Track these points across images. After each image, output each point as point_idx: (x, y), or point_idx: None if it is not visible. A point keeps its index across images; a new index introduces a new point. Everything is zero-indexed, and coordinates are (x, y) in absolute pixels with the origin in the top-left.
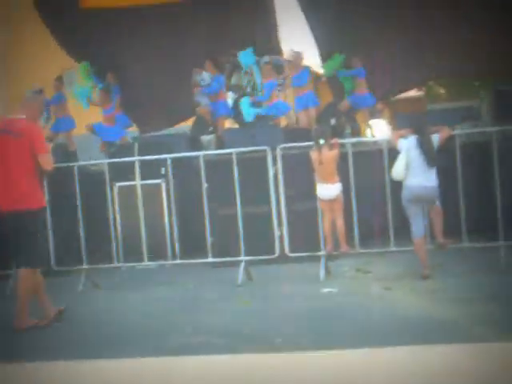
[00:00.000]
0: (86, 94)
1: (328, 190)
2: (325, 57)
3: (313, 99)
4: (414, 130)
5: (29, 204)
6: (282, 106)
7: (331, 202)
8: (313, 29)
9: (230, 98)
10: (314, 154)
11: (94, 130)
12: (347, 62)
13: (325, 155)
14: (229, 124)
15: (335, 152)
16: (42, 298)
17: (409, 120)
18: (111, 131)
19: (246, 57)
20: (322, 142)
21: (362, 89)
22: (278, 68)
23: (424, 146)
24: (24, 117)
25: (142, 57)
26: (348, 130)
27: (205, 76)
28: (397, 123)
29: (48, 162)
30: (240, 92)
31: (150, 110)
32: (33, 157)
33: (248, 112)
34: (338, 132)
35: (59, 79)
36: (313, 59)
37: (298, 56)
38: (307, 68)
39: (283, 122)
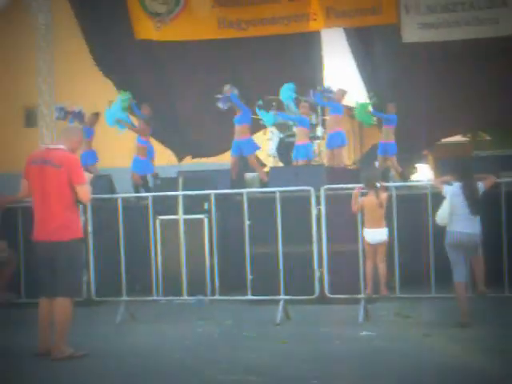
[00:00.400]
0: (124, 118)
1: (376, 234)
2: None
3: (342, 138)
4: (459, 177)
5: (66, 235)
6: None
7: (377, 245)
8: (360, 68)
9: (275, 136)
10: (365, 199)
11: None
12: (382, 106)
13: (372, 200)
14: (273, 162)
15: (383, 196)
16: (61, 331)
17: (453, 166)
18: (144, 164)
19: (285, 92)
20: (378, 185)
21: (391, 137)
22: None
23: (468, 193)
24: (63, 147)
25: (188, 89)
26: (392, 173)
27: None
28: (440, 169)
29: (86, 193)
30: (286, 131)
31: (191, 140)
32: (71, 187)
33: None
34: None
35: (95, 114)
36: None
37: (341, 92)
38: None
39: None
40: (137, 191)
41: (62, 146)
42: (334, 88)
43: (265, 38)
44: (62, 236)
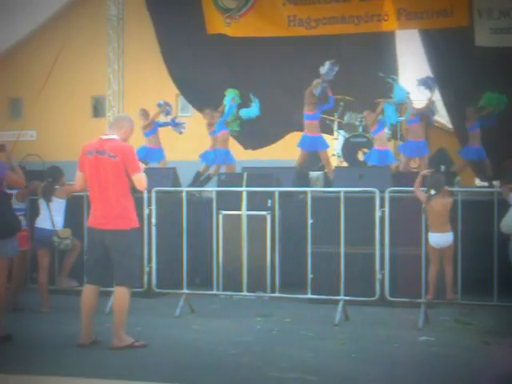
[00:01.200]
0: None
1: (441, 238)
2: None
3: (423, 148)
4: None
5: (125, 223)
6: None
7: (442, 249)
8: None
9: (341, 136)
10: (432, 202)
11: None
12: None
13: (438, 204)
14: (337, 162)
15: (449, 201)
16: (119, 320)
17: None
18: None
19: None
20: (432, 192)
21: (477, 141)
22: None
23: None
24: (116, 137)
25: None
26: (458, 178)
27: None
28: (508, 175)
29: (142, 181)
30: (353, 131)
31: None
32: (127, 176)
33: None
34: (448, 179)
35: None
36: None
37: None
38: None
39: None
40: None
41: (115, 136)
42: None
43: (339, 36)
44: (121, 224)
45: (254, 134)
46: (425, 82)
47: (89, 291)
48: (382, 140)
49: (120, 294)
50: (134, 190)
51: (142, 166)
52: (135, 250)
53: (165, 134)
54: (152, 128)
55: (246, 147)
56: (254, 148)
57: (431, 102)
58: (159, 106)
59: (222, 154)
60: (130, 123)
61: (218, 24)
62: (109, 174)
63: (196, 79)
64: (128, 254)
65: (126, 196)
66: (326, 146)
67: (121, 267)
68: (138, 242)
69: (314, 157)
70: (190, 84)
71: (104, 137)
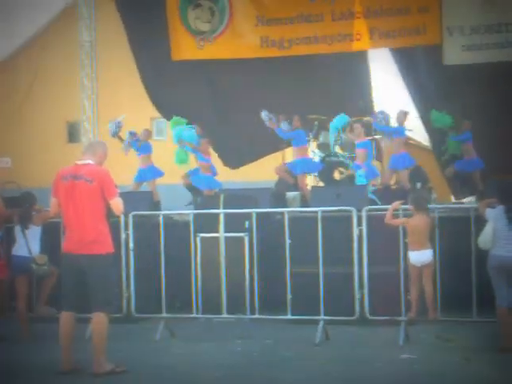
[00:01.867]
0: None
1: (421, 256)
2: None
3: (409, 160)
4: (502, 200)
5: (101, 249)
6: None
7: (422, 267)
8: (411, 90)
9: (317, 155)
10: (411, 220)
11: (190, 182)
12: (456, 124)
13: (420, 222)
14: (313, 182)
15: (430, 218)
16: (99, 346)
17: (497, 189)
18: (210, 180)
19: (339, 121)
20: (413, 209)
21: (471, 153)
22: (368, 129)
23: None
24: (91, 162)
25: (231, 102)
26: (434, 195)
27: (283, 125)
28: (486, 191)
29: (119, 206)
30: (327, 151)
31: (236, 147)
32: (103, 201)
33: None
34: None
35: (148, 130)
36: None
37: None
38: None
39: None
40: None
41: (90, 161)
42: (392, 111)
43: (313, 56)
44: (97, 249)
45: (235, 153)
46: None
47: (66, 318)
48: (360, 156)
49: (98, 320)
50: (110, 215)
51: (118, 190)
52: (111, 275)
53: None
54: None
55: (226, 164)
56: (235, 166)
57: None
58: (131, 134)
59: (205, 180)
60: (103, 148)
61: (187, 48)
62: (84, 199)
63: (175, 99)
64: (104, 279)
65: (102, 221)
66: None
67: (97, 293)
68: (113, 266)
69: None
70: (170, 105)
71: (79, 162)
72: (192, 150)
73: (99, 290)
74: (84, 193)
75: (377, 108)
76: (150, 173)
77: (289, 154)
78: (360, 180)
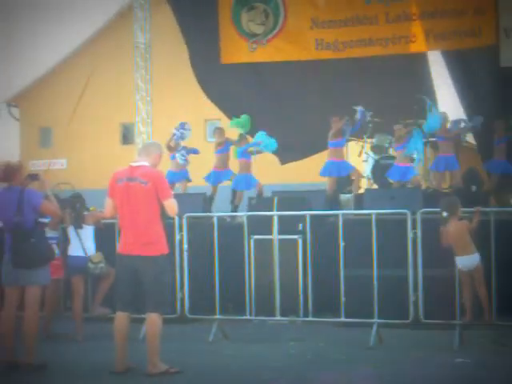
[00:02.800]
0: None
1: (466, 261)
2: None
3: (453, 163)
4: None
5: (156, 250)
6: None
7: (471, 272)
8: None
9: (371, 157)
10: (449, 226)
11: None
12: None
13: (454, 228)
14: (367, 184)
15: (464, 223)
16: (153, 347)
17: None
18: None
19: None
20: (444, 215)
21: (501, 155)
22: None
23: None
24: (146, 163)
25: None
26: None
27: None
28: None
29: (173, 207)
30: (381, 153)
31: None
32: (158, 203)
33: None
34: (480, 199)
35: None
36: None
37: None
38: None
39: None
40: None
41: (145, 163)
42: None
43: (370, 58)
44: (152, 251)
45: (291, 148)
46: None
47: (120, 318)
48: (403, 156)
49: (152, 321)
50: (165, 216)
51: (172, 192)
52: (166, 277)
53: (194, 158)
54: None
55: (282, 161)
56: (290, 160)
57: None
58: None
59: (243, 180)
60: (158, 149)
61: (238, 51)
62: (139, 201)
63: (231, 98)
64: (158, 281)
65: (157, 222)
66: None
67: (151, 294)
68: (168, 268)
69: (343, 181)
70: (228, 102)
71: (134, 164)
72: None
73: (153, 291)
74: (139, 194)
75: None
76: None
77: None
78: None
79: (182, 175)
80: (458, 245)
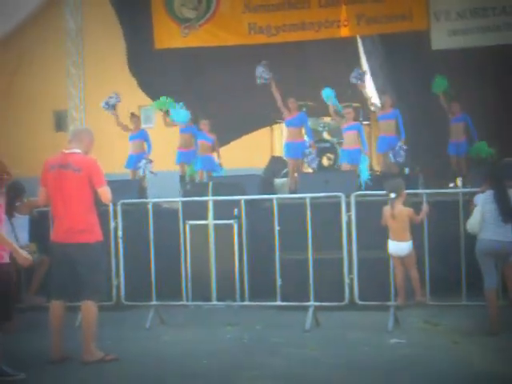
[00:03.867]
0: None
1: (398, 247)
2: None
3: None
4: (491, 184)
5: (90, 237)
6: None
7: (402, 257)
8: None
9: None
10: (386, 209)
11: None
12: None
13: (397, 211)
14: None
15: (409, 210)
16: (88, 334)
17: (486, 173)
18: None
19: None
20: (392, 195)
21: (458, 135)
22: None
23: (500, 200)
24: (78, 150)
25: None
26: (421, 180)
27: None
28: (473, 176)
29: (107, 194)
30: (315, 136)
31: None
32: (91, 190)
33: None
34: (411, 182)
35: (134, 116)
36: None
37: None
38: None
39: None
40: None
41: (77, 150)
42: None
43: (301, 42)
44: (86, 238)
45: (226, 128)
46: (356, 76)
47: (56, 307)
48: (350, 139)
49: (87, 309)
50: (98, 204)
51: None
52: (100, 264)
53: (127, 145)
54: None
55: (222, 143)
56: (230, 140)
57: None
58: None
59: (205, 161)
60: (89, 135)
61: (171, 36)
62: (73, 188)
63: (163, 84)
64: (94, 268)
65: (91, 210)
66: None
67: (87, 281)
68: (102, 255)
69: (279, 164)
70: (157, 89)
71: (66, 151)
72: (192, 130)
73: (89, 278)
74: (72, 182)
75: (365, 94)
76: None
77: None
78: (364, 173)
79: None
80: (394, 228)
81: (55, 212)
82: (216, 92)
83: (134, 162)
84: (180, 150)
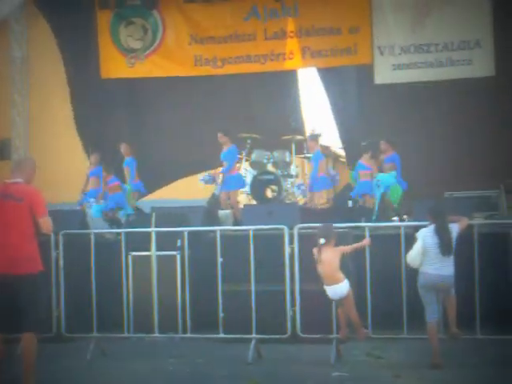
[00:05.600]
0: None
1: (334, 291)
2: None
3: (328, 183)
4: (432, 218)
5: (29, 268)
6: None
7: (341, 299)
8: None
9: (249, 173)
10: (316, 252)
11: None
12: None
13: (326, 255)
14: (245, 200)
15: (339, 249)
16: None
17: (427, 208)
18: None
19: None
20: (322, 241)
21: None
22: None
23: (441, 234)
24: (21, 180)
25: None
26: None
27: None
28: (415, 210)
29: (48, 225)
30: (260, 169)
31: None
32: (32, 220)
33: None
34: (355, 215)
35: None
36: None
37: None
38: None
39: (301, 201)
40: None
41: (19, 180)
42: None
43: (243, 75)
44: (26, 268)
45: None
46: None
47: (26, 339)
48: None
49: (27, 340)
50: (39, 233)
51: (47, 209)
52: (40, 294)
53: (71, 174)
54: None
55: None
56: (151, 191)
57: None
58: None
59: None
60: (31, 165)
61: (117, 66)
62: (13, 218)
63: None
64: (33, 299)
65: (31, 240)
66: (239, 186)
67: (28, 313)
68: (42, 285)
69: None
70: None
71: (8, 181)
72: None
73: (29, 309)
74: (12, 212)
75: (307, 127)
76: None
77: None
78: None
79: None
80: (324, 273)
81: None
82: (154, 131)
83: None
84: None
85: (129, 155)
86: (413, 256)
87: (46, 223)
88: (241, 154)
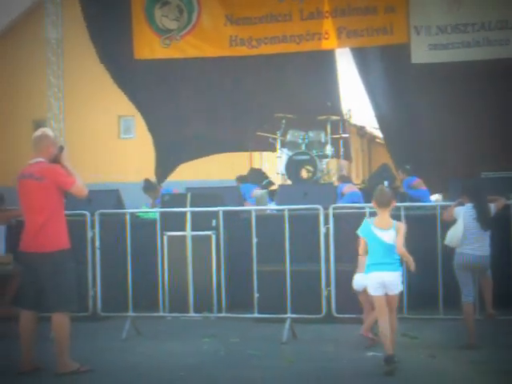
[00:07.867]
0: None
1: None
2: None
3: None
4: (471, 198)
5: (51, 246)
6: None
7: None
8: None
9: (285, 154)
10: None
11: None
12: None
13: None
14: (281, 180)
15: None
16: (60, 346)
17: (466, 187)
18: None
19: None
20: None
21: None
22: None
23: (480, 214)
24: (41, 159)
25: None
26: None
27: None
28: (452, 189)
29: (81, 189)
30: (295, 149)
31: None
32: (57, 197)
33: None
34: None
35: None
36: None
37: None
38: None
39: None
40: None
41: (40, 159)
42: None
43: (278, 55)
44: (49, 247)
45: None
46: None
47: (25, 317)
48: None
49: (56, 320)
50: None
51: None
52: (67, 272)
53: (107, 155)
54: None
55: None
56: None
57: None
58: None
59: None
60: (48, 142)
61: (151, 47)
62: (35, 197)
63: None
64: (59, 277)
65: (55, 218)
66: None
67: (52, 291)
68: (68, 264)
69: (259, 174)
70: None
71: (31, 161)
72: None
73: (54, 288)
74: (34, 191)
75: (344, 107)
76: None
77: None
78: None
79: None
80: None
81: (25, 221)
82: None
83: None
84: None
85: None
86: (452, 235)
87: (79, 189)
88: (275, 133)
